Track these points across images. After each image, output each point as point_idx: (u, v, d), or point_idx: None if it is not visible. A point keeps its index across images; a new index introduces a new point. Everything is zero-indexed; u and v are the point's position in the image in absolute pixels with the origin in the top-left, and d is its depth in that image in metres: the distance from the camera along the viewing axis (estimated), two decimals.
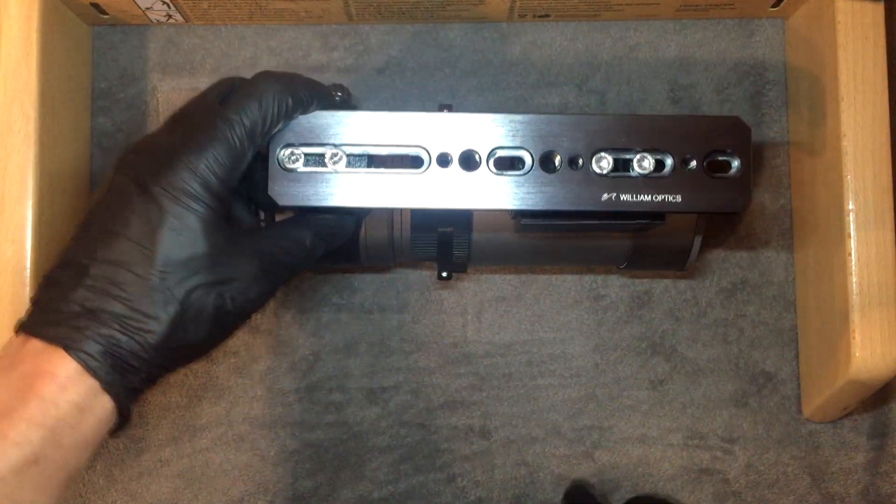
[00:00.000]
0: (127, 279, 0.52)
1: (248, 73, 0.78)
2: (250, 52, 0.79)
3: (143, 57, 0.80)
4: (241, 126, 0.55)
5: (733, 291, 0.79)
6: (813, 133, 0.75)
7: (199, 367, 0.78)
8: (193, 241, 0.53)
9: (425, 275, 0.79)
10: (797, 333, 0.79)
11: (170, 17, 0.77)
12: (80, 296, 0.52)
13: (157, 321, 0.52)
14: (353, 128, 0.59)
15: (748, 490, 0.79)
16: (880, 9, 0.71)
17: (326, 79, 0.78)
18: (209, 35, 0.80)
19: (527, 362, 0.79)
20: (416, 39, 0.80)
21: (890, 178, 0.71)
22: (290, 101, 0.57)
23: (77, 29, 0.77)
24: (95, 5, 0.75)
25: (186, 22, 0.78)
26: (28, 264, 0.69)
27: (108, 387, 0.52)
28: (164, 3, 0.75)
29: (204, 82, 0.79)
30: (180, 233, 0.53)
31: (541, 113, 0.59)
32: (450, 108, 0.67)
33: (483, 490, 0.79)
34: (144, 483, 0.78)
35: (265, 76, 0.58)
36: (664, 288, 0.79)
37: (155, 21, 0.78)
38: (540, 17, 0.78)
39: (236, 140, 0.55)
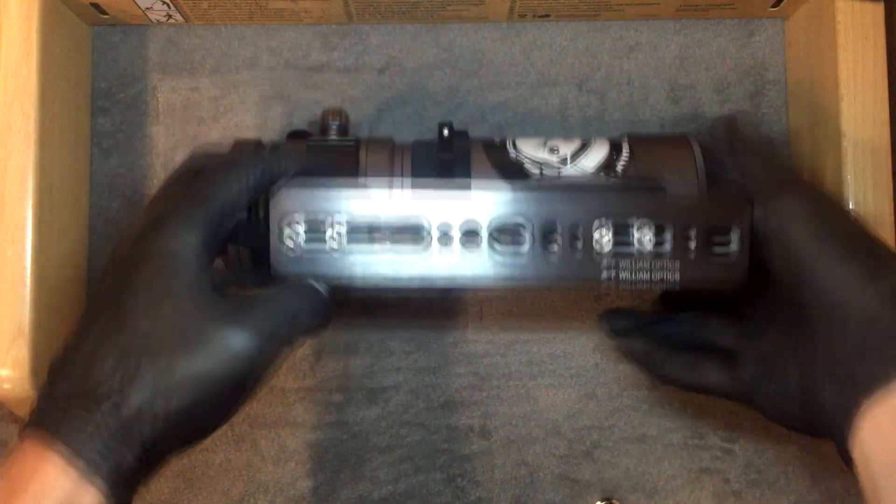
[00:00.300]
0: (112, 354, 0.52)
1: (247, 73, 0.79)
2: (250, 52, 0.80)
3: (142, 57, 0.80)
4: (214, 200, 0.56)
5: None
6: (813, 133, 0.75)
7: None
8: (177, 313, 0.53)
9: None
10: None
11: (170, 17, 0.77)
12: (67, 384, 0.52)
13: (146, 390, 0.51)
14: (354, 202, 0.60)
15: (748, 489, 0.79)
16: (880, 9, 0.71)
17: (326, 79, 0.79)
18: (209, 35, 0.80)
19: (527, 362, 0.79)
20: (416, 39, 0.80)
21: (890, 178, 0.71)
22: (262, 174, 0.58)
23: (77, 29, 0.77)
24: (95, 5, 0.75)
25: (186, 22, 0.78)
26: (28, 264, 0.69)
27: (95, 468, 0.50)
28: (164, 3, 0.75)
29: (204, 82, 0.79)
30: (162, 305, 0.53)
31: (542, 186, 0.62)
32: (450, 127, 0.68)
33: (483, 490, 0.79)
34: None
35: (237, 148, 0.60)
36: None
37: (155, 21, 0.78)
38: (540, 17, 0.78)
39: (212, 212, 0.56)
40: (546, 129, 0.79)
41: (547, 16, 0.78)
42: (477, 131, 0.76)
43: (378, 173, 0.66)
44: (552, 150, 0.66)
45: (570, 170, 0.66)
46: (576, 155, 0.66)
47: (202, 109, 0.79)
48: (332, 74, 0.79)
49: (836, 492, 0.78)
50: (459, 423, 0.79)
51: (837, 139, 0.71)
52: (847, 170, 0.70)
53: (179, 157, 0.79)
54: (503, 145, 0.67)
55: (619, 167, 0.66)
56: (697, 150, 0.67)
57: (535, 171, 0.66)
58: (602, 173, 0.66)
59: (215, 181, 0.57)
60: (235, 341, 0.53)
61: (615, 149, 0.66)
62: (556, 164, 0.66)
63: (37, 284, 0.69)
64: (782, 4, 0.77)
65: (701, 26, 0.80)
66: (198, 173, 0.58)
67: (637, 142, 0.67)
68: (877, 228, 0.69)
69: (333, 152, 0.67)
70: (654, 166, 0.65)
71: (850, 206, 0.69)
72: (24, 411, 0.72)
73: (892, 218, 0.70)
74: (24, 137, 0.69)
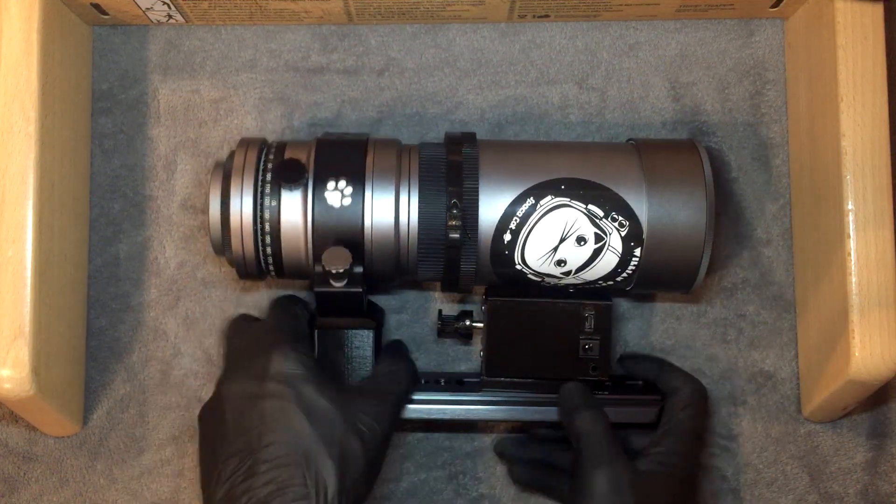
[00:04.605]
0: (294, 461, 0.61)
1: (247, 75, 0.79)
2: (250, 54, 0.80)
3: (143, 58, 0.80)
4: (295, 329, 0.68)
5: (733, 291, 0.79)
6: (812, 133, 0.75)
7: (199, 367, 0.79)
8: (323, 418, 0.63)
9: None
10: (797, 333, 0.79)
11: (170, 17, 0.77)
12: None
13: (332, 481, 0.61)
14: None
15: (746, 488, 0.79)
16: (880, 9, 0.71)
17: (325, 80, 0.79)
18: (209, 37, 0.80)
19: None
20: (415, 40, 0.80)
21: (889, 178, 0.71)
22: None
23: (77, 29, 0.77)
24: (96, 5, 0.75)
25: (187, 22, 0.78)
26: (28, 264, 0.69)
27: None
28: (165, 3, 0.75)
29: (205, 84, 0.79)
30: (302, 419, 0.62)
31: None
32: (472, 140, 0.68)
33: (485, 487, 0.79)
34: (145, 482, 0.78)
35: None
36: None
37: (155, 21, 0.78)
38: (539, 17, 0.78)
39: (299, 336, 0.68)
40: (546, 128, 0.79)
41: (546, 16, 0.78)
42: (476, 130, 0.76)
43: (385, 173, 0.67)
44: (559, 264, 0.67)
45: (570, 280, 0.68)
46: (581, 269, 0.67)
47: (203, 111, 0.79)
48: (332, 76, 0.79)
49: (835, 492, 0.79)
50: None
51: (837, 139, 0.71)
52: (847, 170, 0.70)
53: (181, 159, 0.79)
54: (511, 252, 0.67)
55: (620, 279, 0.68)
56: (706, 161, 0.68)
57: (537, 279, 0.68)
58: (601, 283, 0.69)
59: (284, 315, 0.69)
60: (382, 422, 0.65)
61: (626, 256, 0.67)
62: (558, 276, 0.68)
63: (37, 284, 0.69)
64: (782, 4, 0.77)
65: (701, 25, 0.80)
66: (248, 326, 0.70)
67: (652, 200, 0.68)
68: (876, 228, 0.69)
69: (342, 150, 0.68)
70: (658, 250, 0.67)
71: (849, 206, 0.70)
72: (23, 411, 0.72)
73: (892, 218, 0.70)
74: (25, 137, 0.70)
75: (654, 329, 0.79)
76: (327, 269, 0.65)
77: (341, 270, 0.65)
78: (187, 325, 0.79)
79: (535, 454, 0.76)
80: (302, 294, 0.76)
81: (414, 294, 0.79)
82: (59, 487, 0.78)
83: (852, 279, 0.70)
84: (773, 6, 0.77)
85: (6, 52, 0.70)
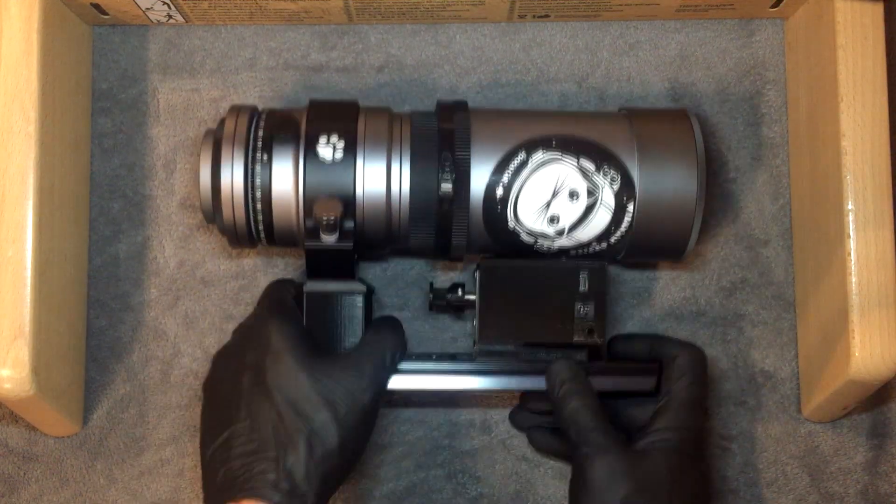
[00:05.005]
0: (266, 428, 0.62)
1: (247, 74, 0.79)
2: (250, 52, 0.80)
3: (143, 58, 0.80)
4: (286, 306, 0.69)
5: (733, 291, 0.79)
6: (812, 133, 0.75)
7: (199, 367, 0.79)
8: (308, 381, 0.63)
9: (425, 271, 0.80)
10: (797, 333, 0.79)
11: (170, 17, 0.77)
12: (240, 459, 0.62)
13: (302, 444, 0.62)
14: None
15: (746, 488, 0.79)
16: (880, 9, 0.71)
17: (325, 78, 0.79)
18: (209, 36, 0.80)
19: None
20: (414, 37, 0.80)
21: (889, 178, 0.71)
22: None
23: (77, 29, 0.77)
24: (96, 5, 0.75)
25: (187, 22, 0.78)
26: (28, 264, 0.69)
27: None
28: (165, 3, 0.75)
29: (204, 83, 0.79)
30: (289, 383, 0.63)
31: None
32: (465, 107, 0.68)
33: (484, 486, 0.79)
34: (145, 482, 0.78)
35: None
36: (663, 286, 0.80)
37: (155, 21, 0.78)
38: (539, 17, 0.78)
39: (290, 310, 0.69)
40: None
41: (546, 16, 0.78)
42: None
43: (377, 141, 0.67)
44: (552, 221, 0.67)
45: (564, 241, 0.68)
46: (574, 227, 0.67)
47: (203, 110, 0.79)
48: (332, 74, 0.79)
49: (835, 492, 0.79)
50: (460, 418, 0.79)
51: (837, 139, 0.71)
52: (847, 170, 0.70)
53: (180, 159, 0.79)
54: (503, 208, 0.67)
55: (614, 239, 0.68)
56: (697, 127, 0.69)
57: (530, 240, 0.68)
58: (595, 245, 0.68)
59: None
60: (359, 393, 0.64)
61: (619, 212, 0.67)
62: (551, 236, 0.68)
63: (37, 284, 0.69)
64: (782, 4, 0.77)
65: (701, 25, 0.80)
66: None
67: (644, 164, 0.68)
68: (876, 228, 0.69)
69: (334, 108, 0.68)
70: (652, 212, 0.67)
71: (849, 206, 0.70)
72: (23, 411, 0.72)
73: (892, 218, 0.70)
74: (25, 137, 0.69)
75: (653, 329, 0.79)
76: (318, 217, 0.64)
77: (332, 219, 0.64)
78: (187, 324, 0.79)
79: (551, 421, 0.75)
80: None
81: (416, 292, 0.79)
82: (59, 487, 0.78)
83: (852, 279, 0.70)
84: (773, 6, 0.77)
85: (6, 52, 0.70)
